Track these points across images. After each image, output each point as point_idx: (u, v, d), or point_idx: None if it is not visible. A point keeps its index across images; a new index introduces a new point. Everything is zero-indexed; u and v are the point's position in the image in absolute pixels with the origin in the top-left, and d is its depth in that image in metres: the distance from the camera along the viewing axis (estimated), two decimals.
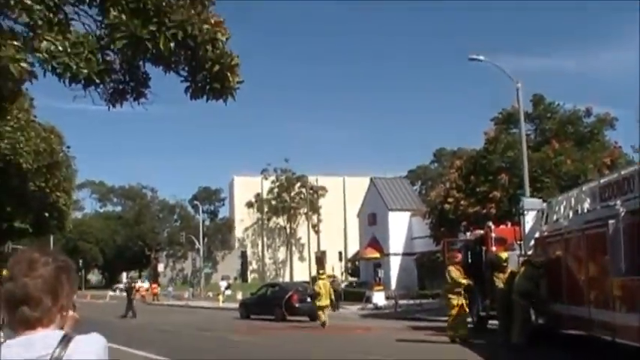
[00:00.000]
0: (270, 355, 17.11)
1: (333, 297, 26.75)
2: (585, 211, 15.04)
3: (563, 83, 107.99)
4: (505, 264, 17.14)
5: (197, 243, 73.57)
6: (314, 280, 54.41)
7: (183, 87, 7.81)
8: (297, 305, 29.71)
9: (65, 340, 2.13)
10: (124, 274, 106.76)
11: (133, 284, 37.61)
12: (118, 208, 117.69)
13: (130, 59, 7.37)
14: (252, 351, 18.29)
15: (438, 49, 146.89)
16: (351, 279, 68.86)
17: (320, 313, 25.10)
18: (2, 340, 2.22)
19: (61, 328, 2.22)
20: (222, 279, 71.60)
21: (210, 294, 63.41)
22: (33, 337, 2.13)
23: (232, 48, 7.48)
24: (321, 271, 30.17)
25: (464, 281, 17.86)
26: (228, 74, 7.29)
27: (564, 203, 16.78)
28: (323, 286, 25.55)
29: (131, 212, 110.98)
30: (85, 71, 6.14)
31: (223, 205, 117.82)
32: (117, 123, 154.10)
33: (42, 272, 2.18)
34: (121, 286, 38.15)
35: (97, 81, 6.47)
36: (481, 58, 27.31)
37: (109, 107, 9.43)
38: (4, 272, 2.24)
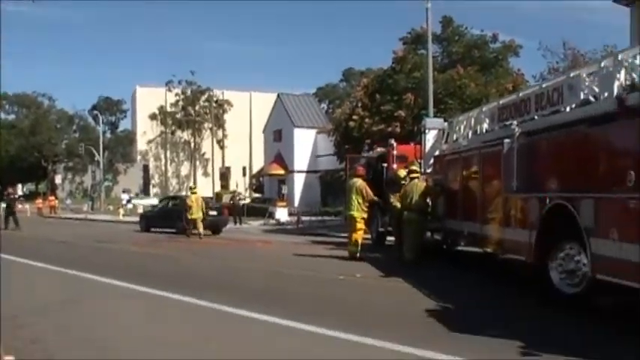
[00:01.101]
0: (168, 266, 17.01)
1: (204, 210, 28.41)
2: (484, 131, 15.38)
3: (472, 8, 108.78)
4: (403, 182, 17.37)
5: (97, 155, 71.75)
6: (218, 195, 54.46)
7: None
8: None
9: None
10: (19, 186, 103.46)
11: (13, 196, 36.45)
12: (12, 117, 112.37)
13: None
14: (150, 262, 18.14)
15: None
16: (255, 195, 69.10)
17: (194, 224, 27.45)
18: None
19: None
20: (124, 192, 70.50)
21: (111, 207, 62.43)
22: None
23: None
24: (192, 186, 32.99)
25: (376, 199, 18.08)
26: None
27: (464, 123, 17.08)
28: (195, 200, 28.11)
29: (26, 121, 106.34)
30: None
31: (125, 116, 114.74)
32: (8, 27, 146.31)
33: None
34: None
35: None
36: None
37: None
38: None
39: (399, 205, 17.26)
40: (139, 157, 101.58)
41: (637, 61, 9.82)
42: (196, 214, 27.52)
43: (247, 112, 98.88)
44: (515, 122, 12.76)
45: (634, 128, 8.98)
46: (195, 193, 29.28)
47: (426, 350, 7.10)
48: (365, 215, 17.71)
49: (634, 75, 9.75)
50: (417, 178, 16.72)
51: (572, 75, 11.54)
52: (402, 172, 17.79)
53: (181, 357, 7.20)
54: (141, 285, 12.14)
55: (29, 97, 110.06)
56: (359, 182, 17.68)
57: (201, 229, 27.32)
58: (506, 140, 12.32)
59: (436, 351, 7.05)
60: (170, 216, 31.00)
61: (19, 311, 9.29)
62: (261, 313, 9.21)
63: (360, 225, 17.52)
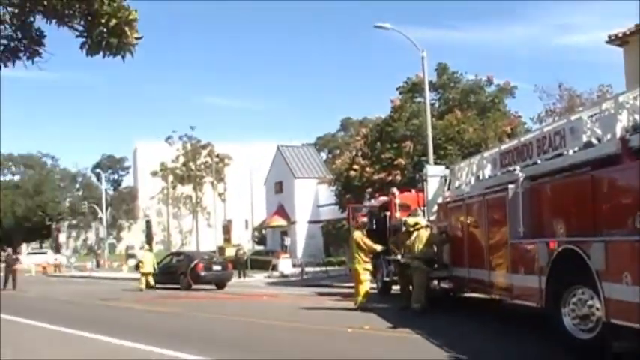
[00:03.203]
0: (174, 323, 16.81)
1: (155, 266, 31.37)
2: (486, 177, 15.38)
3: (467, 54, 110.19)
4: (412, 229, 17.27)
5: (100, 213, 71.67)
6: (221, 249, 54.26)
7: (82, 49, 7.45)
8: (202, 274, 29.57)
9: None
10: (24, 246, 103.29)
11: (13, 256, 35.98)
12: (17, 178, 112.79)
13: (19, 12, 6.94)
14: (155, 320, 17.96)
15: (345, 17, 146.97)
16: (257, 247, 68.82)
17: (142, 278, 30.43)
18: None
19: None
20: (129, 255, 69.50)
21: (115, 264, 62.15)
22: None
23: (133, 5, 7.16)
24: (147, 247, 36.27)
25: (378, 247, 17.88)
26: (126, 29, 6.96)
27: (466, 170, 17.12)
28: (147, 256, 31.41)
29: (31, 182, 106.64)
30: None
31: (128, 173, 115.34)
32: (11, 89, 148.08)
33: None
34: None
35: None
36: (387, 26, 27.39)
37: None
38: None
39: (399, 255, 17.29)
40: (141, 214, 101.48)
41: (637, 103, 9.86)
42: (147, 268, 30.54)
43: (247, 165, 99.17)
44: (518, 167, 12.78)
45: (638, 170, 8.98)
46: (148, 250, 33.36)
47: None
48: (367, 266, 17.57)
49: (636, 116, 9.78)
50: (422, 227, 16.70)
51: (573, 118, 11.59)
52: (412, 220, 17.59)
53: None
54: (147, 344, 11.97)
55: (33, 158, 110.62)
56: (356, 234, 17.64)
57: (142, 285, 30.01)
58: (510, 186, 12.31)
59: None
60: (174, 272, 30.80)
61: None
62: None
63: (364, 276, 17.39)
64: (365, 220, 18.87)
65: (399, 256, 17.66)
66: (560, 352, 9.49)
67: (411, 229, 17.16)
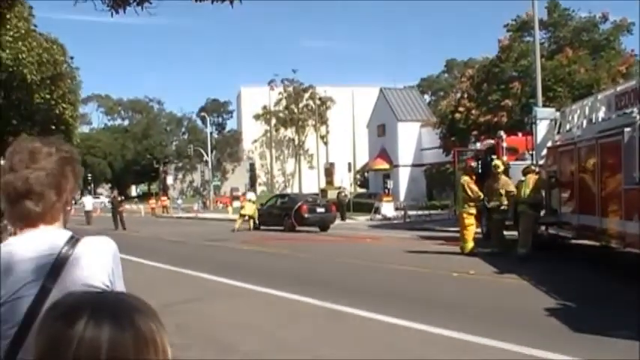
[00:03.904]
0: (279, 264, 17.18)
1: (255, 213, 32.29)
2: (600, 120, 14.77)
3: None
4: (496, 172, 16.80)
5: (205, 155, 73.47)
6: (323, 191, 54.74)
7: None
8: (306, 215, 29.84)
9: (73, 240, 1.96)
10: (134, 188, 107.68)
11: (119, 198, 36.96)
12: (126, 122, 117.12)
13: None
14: (262, 260, 18.38)
15: None
16: (359, 190, 68.99)
17: (239, 219, 31.83)
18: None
19: (65, 225, 2.04)
20: (234, 197, 70.78)
21: (220, 206, 63.82)
22: (37, 234, 1.93)
23: None
24: (252, 199, 35.22)
25: (482, 195, 17.49)
26: None
27: (578, 112, 16.47)
28: (249, 203, 32.47)
29: (139, 126, 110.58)
30: None
31: (231, 117, 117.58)
32: (121, 35, 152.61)
33: (44, 164, 1.96)
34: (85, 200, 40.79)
35: None
36: None
37: (111, 13, 9.10)
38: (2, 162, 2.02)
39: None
40: (245, 156, 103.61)
41: None
42: (247, 211, 31.80)
43: (350, 107, 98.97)
44: (635, 110, 12.17)
45: None
46: (252, 202, 33.10)
47: (555, 353, 6.84)
48: (472, 211, 17.26)
49: None
50: (531, 172, 16.25)
51: None
52: (498, 162, 17.18)
53: (302, 357, 7.22)
54: (255, 284, 12.30)
55: (141, 103, 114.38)
56: (464, 179, 17.32)
57: (237, 225, 31.14)
58: (627, 129, 11.75)
59: (565, 354, 6.78)
60: (278, 214, 31.32)
61: None
62: (379, 313, 9.14)
63: (469, 221, 17.13)
64: (473, 164, 18.51)
65: (486, 201, 17.34)
66: None
67: (497, 173, 16.75)
